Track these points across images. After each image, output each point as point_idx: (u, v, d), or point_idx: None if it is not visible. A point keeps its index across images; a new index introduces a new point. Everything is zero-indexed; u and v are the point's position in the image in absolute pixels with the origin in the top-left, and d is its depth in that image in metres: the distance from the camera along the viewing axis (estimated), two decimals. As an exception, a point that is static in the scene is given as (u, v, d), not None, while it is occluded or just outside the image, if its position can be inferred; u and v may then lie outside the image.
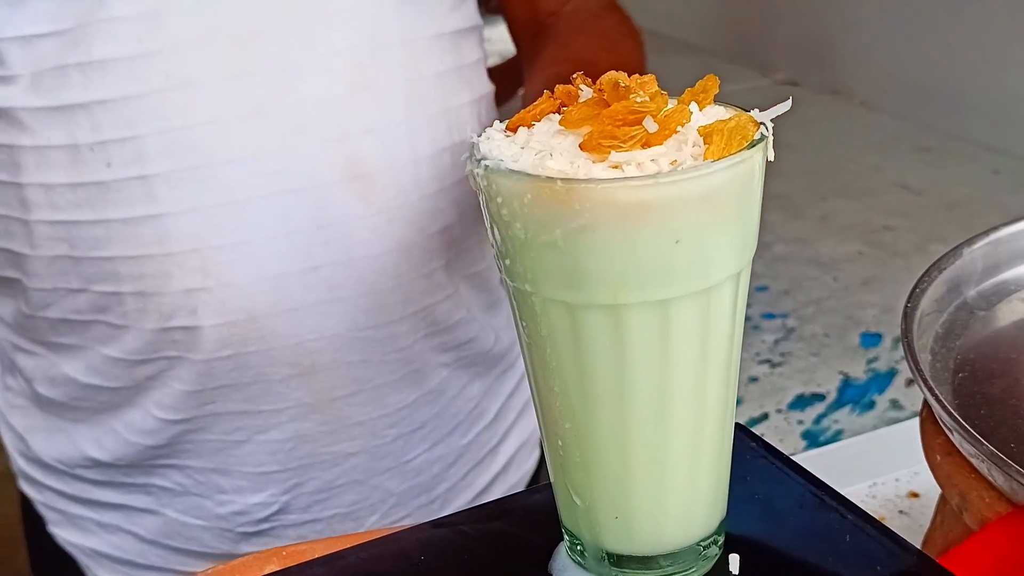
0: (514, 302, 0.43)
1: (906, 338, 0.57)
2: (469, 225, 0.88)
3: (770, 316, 1.63)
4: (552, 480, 0.46)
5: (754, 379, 1.48)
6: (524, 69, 0.96)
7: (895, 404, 1.44)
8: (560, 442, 0.44)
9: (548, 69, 0.86)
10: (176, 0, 0.74)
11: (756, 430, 1.37)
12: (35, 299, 0.83)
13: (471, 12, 0.89)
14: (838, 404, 1.44)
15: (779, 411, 1.43)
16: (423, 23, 0.82)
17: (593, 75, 0.96)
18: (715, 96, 0.42)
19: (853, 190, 2.11)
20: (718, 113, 0.42)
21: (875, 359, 1.53)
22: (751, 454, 0.54)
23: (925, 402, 0.56)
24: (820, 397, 1.44)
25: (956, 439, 0.51)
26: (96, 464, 0.89)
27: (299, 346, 0.81)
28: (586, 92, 0.41)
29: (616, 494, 0.44)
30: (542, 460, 1.07)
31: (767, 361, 1.52)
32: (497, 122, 0.43)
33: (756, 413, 1.41)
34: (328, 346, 0.82)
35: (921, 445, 0.57)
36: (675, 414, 0.42)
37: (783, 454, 0.54)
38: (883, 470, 0.91)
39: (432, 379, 0.89)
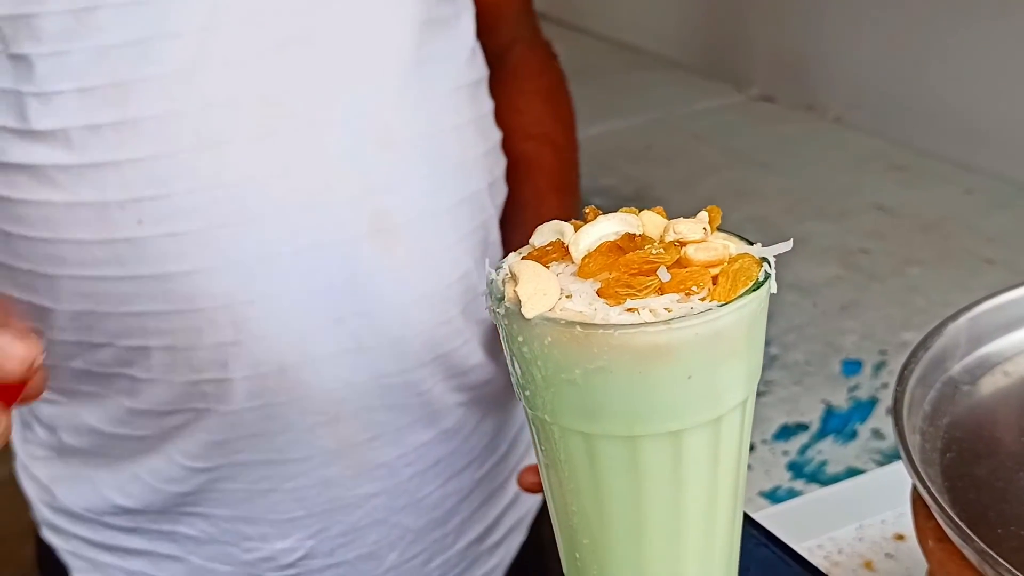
0: (533, 428, 0.45)
1: (897, 424, 0.59)
2: (483, 271, 0.91)
3: (752, 344, 1.66)
4: (570, 591, 0.49)
5: (739, 409, 1.51)
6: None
7: (877, 433, 1.47)
8: (578, 555, 0.47)
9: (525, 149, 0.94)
10: (208, 60, 0.75)
11: (742, 462, 1.40)
12: (56, 351, 0.84)
13: (481, 64, 0.91)
14: (821, 434, 1.48)
15: (764, 442, 1.46)
16: (443, 78, 0.85)
17: (556, 149, 1.00)
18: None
19: (830, 211, 2.15)
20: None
21: (856, 387, 1.56)
22: (753, 542, 0.57)
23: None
24: (804, 427, 1.48)
25: (948, 531, 0.53)
26: (124, 511, 0.90)
27: (325, 395, 0.83)
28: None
29: (631, 604, 0.46)
30: None
31: (751, 390, 1.56)
32: (513, 254, 0.45)
33: (742, 444, 1.44)
34: (353, 394, 0.84)
35: (913, 525, 0.60)
36: (688, 531, 0.45)
37: (783, 543, 0.56)
38: (869, 512, 0.94)
39: (448, 418, 0.91)
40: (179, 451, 0.85)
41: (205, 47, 0.75)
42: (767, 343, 1.48)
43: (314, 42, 0.78)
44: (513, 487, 1.02)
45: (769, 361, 1.63)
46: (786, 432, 1.48)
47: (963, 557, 0.54)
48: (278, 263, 0.79)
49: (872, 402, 1.53)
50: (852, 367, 1.61)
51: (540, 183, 0.97)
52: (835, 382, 1.57)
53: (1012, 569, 0.49)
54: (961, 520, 0.53)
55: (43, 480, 0.93)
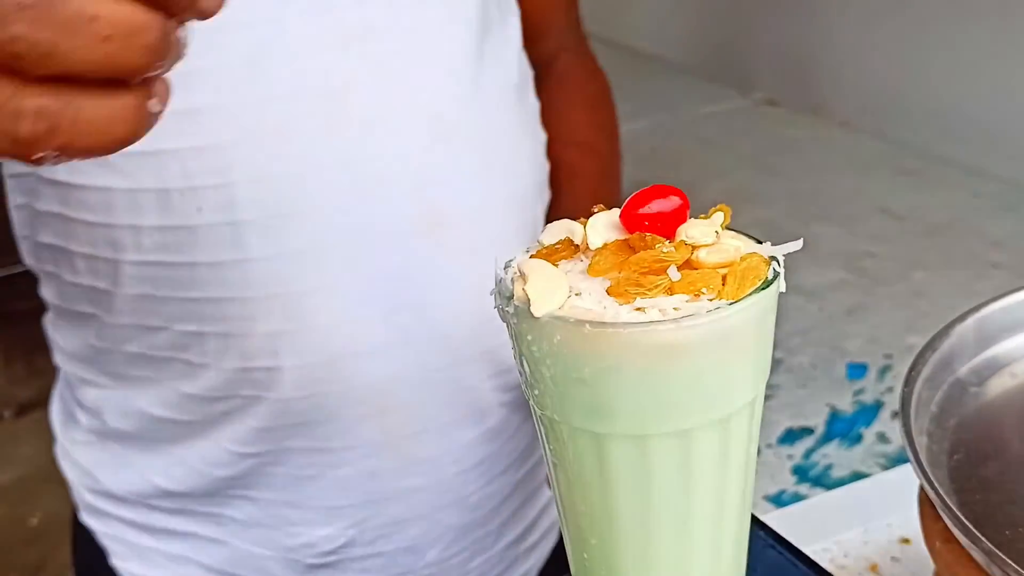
0: (542, 428, 0.45)
1: (904, 425, 0.59)
2: None
3: (758, 347, 1.66)
4: (578, 590, 0.49)
5: (744, 412, 1.51)
6: None
7: (882, 437, 1.47)
8: (586, 555, 0.47)
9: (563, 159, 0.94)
10: (271, 51, 0.76)
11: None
12: (112, 334, 0.85)
13: (526, 63, 0.93)
14: (827, 438, 1.47)
15: (769, 446, 1.45)
16: (496, 75, 0.86)
17: (599, 158, 1.01)
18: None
19: (835, 215, 2.15)
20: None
21: (861, 391, 1.56)
22: (760, 543, 0.57)
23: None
24: (809, 431, 1.47)
25: (955, 532, 0.53)
26: (169, 495, 0.91)
27: (373, 387, 0.84)
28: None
29: (639, 604, 0.46)
30: None
31: (756, 393, 1.55)
32: (522, 254, 0.45)
33: (747, 447, 1.44)
34: (400, 387, 0.85)
35: (920, 526, 0.60)
36: (696, 530, 0.45)
37: (791, 544, 0.56)
38: (875, 516, 0.93)
39: (492, 417, 0.92)
40: (227, 437, 0.86)
41: (269, 38, 0.76)
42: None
43: (377, 36, 0.79)
44: (547, 491, 1.02)
45: (774, 365, 1.62)
46: (791, 436, 1.48)
47: (970, 558, 0.54)
48: (332, 254, 0.80)
49: (877, 406, 1.53)
50: (857, 371, 1.61)
51: (580, 191, 0.98)
52: (840, 386, 1.57)
53: (1020, 571, 0.49)
54: (968, 521, 0.53)
55: (85, 464, 0.94)
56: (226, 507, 0.91)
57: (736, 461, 0.44)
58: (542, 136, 0.94)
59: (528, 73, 0.93)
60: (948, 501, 0.53)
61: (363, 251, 0.80)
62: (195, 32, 0.39)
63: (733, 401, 0.43)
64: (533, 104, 0.93)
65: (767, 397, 1.42)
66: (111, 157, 0.76)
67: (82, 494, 0.96)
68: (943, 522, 0.56)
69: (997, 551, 0.50)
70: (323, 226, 0.79)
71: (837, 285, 1.88)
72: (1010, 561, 0.49)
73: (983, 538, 0.51)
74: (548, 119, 0.96)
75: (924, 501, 0.60)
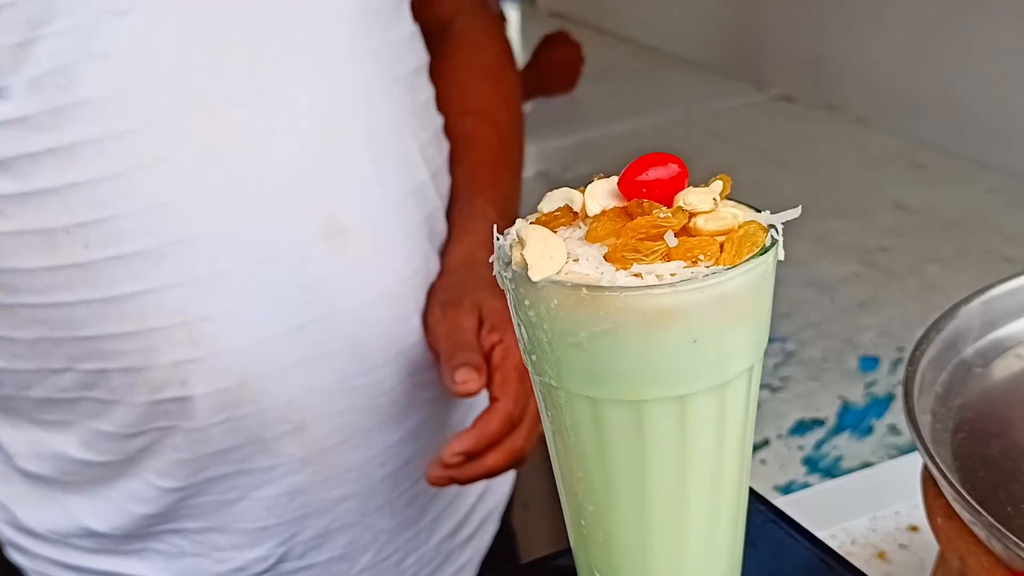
0: (540, 394, 0.45)
1: (907, 403, 0.59)
2: (434, 266, 0.90)
3: (770, 340, 1.65)
4: (575, 558, 0.49)
5: (755, 404, 1.50)
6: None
7: (893, 429, 1.46)
8: (583, 522, 0.47)
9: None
10: (142, 78, 0.74)
11: (758, 456, 1.40)
12: (15, 381, 0.83)
13: (420, 49, 0.90)
14: (838, 429, 1.47)
15: (779, 437, 1.45)
16: (380, 71, 0.84)
17: (496, 125, 1.00)
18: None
19: (849, 209, 2.14)
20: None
21: (873, 383, 1.55)
22: (761, 518, 0.57)
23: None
24: (820, 422, 1.47)
25: (957, 507, 0.53)
26: (92, 534, 0.89)
27: (290, 404, 0.83)
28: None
29: (637, 571, 0.47)
30: (516, 483, 1.09)
31: (767, 386, 1.55)
32: (521, 220, 0.46)
33: (758, 439, 1.44)
34: (317, 400, 0.83)
35: (923, 504, 0.60)
36: (693, 498, 0.45)
37: (790, 518, 0.56)
38: (883, 503, 0.93)
39: (414, 417, 0.90)
40: (149, 471, 0.84)
41: (138, 66, 0.74)
42: (784, 339, 1.47)
43: (253, 46, 0.77)
44: (480, 483, 1.00)
45: (786, 357, 1.62)
46: (802, 427, 1.47)
47: (971, 534, 0.54)
48: (231, 277, 0.78)
49: (889, 398, 1.52)
50: (869, 363, 1.60)
51: (476, 161, 0.96)
52: (852, 378, 1.56)
53: (1021, 544, 0.49)
54: (971, 497, 0.52)
55: (1, 499, 0.92)
56: (150, 541, 0.89)
57: (733, 428, 0.45)
58: (437, 121, 0.92)
59: (423, 58, 0.90)
60: (950, 477, 0.53)
61: (263, 269, 0.79)
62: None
63: (730, 368, 0.43)
64: (426, 90, 0.91)
65: (777, 388, 1.42)
66: None
67: (2, 530, 0.93)
68: (945, 499, 0.56)
69: (999, 525, 0.50)
70: (218, 249, 0.77)
71: (850, 279, 1.87)
72: (1012, 536, 0.49)
73: (984, 512, 0.51)
74: (444, 88, 0.94)
75: (927, 479, 0.60)
